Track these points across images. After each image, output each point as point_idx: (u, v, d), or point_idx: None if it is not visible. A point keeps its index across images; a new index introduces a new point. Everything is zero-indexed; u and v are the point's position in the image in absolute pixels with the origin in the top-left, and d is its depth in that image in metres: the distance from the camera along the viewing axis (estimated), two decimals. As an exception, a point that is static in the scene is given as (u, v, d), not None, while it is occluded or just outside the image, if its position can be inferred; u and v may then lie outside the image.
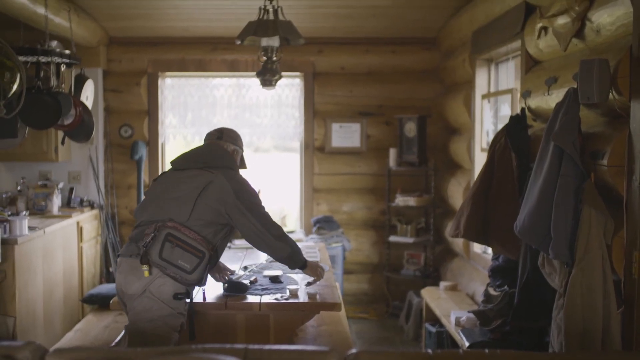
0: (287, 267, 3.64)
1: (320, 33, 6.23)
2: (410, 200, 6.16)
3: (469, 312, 4.36)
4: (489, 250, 4.75)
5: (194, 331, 3.23)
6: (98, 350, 1.94)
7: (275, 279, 3.92)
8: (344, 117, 6.51)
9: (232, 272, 3.84)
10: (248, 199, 3.35)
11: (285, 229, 6.45)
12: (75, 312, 5.65)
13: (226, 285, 3.57)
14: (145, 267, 3.11)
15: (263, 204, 3.44)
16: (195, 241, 3.18)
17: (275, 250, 3.41)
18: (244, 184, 3.42)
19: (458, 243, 5.54)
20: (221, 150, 3.55)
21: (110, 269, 6.27)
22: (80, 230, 5.80)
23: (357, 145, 6.50)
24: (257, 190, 3.52)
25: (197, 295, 3.54)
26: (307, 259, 3.57)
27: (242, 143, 3.73)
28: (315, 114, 6.52)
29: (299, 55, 6.31)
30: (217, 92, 6.52)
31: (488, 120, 5.20)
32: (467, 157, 5.42)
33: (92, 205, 6.21)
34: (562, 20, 3.28)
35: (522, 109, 3.84)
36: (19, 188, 5.78)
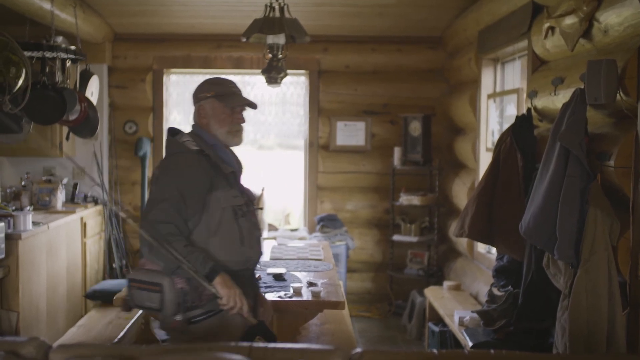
0: (291, 265, 3.64)
1: (326, 31, 6.22)
2: (415, 200, 6.15)
3: (472, 312, 4.35)
4: (493, 250, 4.74)
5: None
6: (102, 346, 1.94)
7: (278, 277, 3.92)
8: (348, 115, 6.50)
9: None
10: (152, 190, 2.85)
11: (289, 227, 6.53)
12: (78, 308, 5.65)
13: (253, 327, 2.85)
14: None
15: (167, 196, 2.73)
16: (148, 273, 2.76)
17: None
18: (161, 169, 2.84)
19: (462, 243, 5.53)
20: (169, 138, 2.97)
21: (114, 265, 6.28)
22: (84, 226, 5.80)
23: (361, 143, 6.49)
24: (180, 180, 2.77)
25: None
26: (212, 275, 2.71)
27: (213, 85, 2.98)
28: (320, 112, 6.51)
29: (304, 53, 6.30)
30: (222, 89, 6.51)
31: (493, 120, 5.18)
32: (472, 157, 5.41)
33: (96, 201, 6.21)
34: (569, 20, 3.26)
35: (528, 109, 3.83)
36: (23, 183, 5.79)
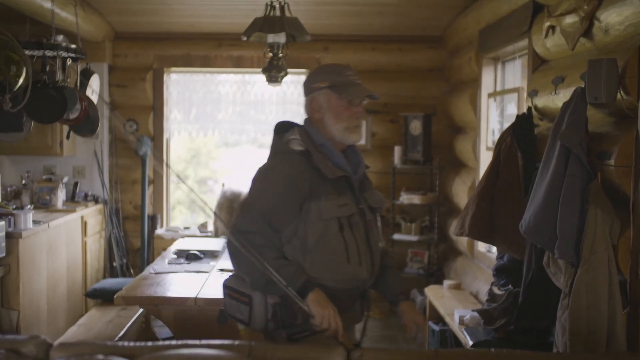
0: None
1: (327, 30, 6.22)
2: (415, 198, 6.15)
3: (472, 310, 4.35)
4: (494, 249, 4.74)
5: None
6: (103, 345, 1.94)
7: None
8: (349, 114, 6.49)
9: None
10: (247, 194, 2.64)
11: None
12: (78, 307, 5.66)
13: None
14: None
15: (258, 204, 2.50)
16: (242, 283, 2.52)
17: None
18: (259, 172, 2.60)
19: (462, 242, 5.53)
20: (275, 137, 2.70)
21: (114, 264, 6.28)
22: (84, 225, 5.81)
23: (362, 142, 6.46)
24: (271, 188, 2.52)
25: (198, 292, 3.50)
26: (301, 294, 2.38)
27: (327, 74, 2.60)
28: (321, 111, 6.50)
29: (304, 52, 6.30)
30: (222, 88, 6.52)
31: (494, 119, 5.18)
32: (473, 156, 5.40)
33: (96, 200, 6.21)
34: (570, 20, 3.26)
35: (529, 108, 3.82)
36: (23, 182, 5.79)
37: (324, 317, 2.34)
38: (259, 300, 2.43)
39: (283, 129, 2.67)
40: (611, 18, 2.92)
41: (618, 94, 2.71)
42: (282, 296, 2.39)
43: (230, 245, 2.44)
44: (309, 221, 2.44)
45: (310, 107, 2.60)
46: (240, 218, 2.48)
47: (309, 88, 2.61)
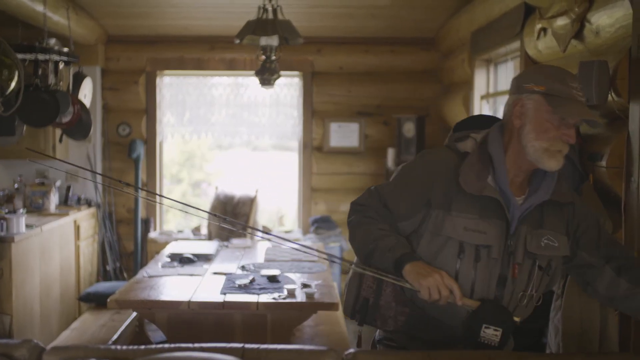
0: (285, 267, 3.55)
1: (319, 33, 6.23)
2: (408, 201, 6.15)
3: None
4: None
5: None
6: (96, 348, 1.93)
7: (272, 279, 3.92)
8: (342, 116, 6.51)
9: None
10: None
11: (283, 229, 6.53)
12: (72, 311, 5.64)
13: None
14: None
15: (390, 186, 2.23)
16: None
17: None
18: (402, 168, 2.28)
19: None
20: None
21: (107, 268, 6.27)
22: (77, 229, 5.79)
23: (355, 145, 6.50)
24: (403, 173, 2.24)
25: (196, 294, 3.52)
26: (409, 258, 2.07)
27: (547, 77, 2.08)
28: (314, 114, 6.51)
29: (297, 55, 6.31)
30: (215, 90, 6.51)
31: (486, 120, 5.19)
32: (465, 158, 5.41)
33: (89, 204, 6.20)
34: (561, 22, 3.27)
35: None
36: (16, 186, 5.77)
37: (431, 287, 1.98)
38: (353, 281, 2.23)
39: (477, 124, 2.28)
40: (602, 20, 2.93)
41: (609, 95, 2.72)
42: (375, 292, 2.17)
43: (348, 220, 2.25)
44: (427, 230, 2.12)
45: (512, 109, 2.12)
46: (363, 193, 2.26)
47: (518, 86, 2.13)
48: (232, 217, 5.94)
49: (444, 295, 1.98)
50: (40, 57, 4.29)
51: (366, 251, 2.12)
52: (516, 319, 2.07)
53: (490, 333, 2.02)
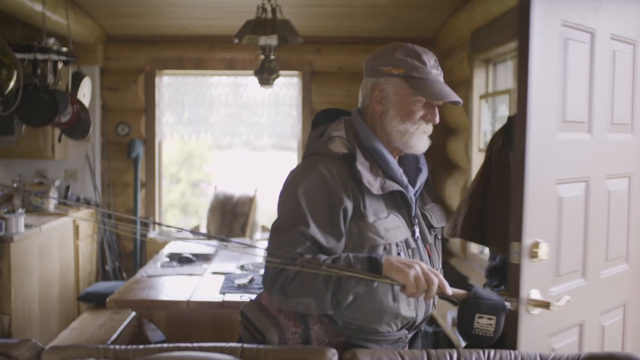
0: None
1: (319, 32, 6.22)
2: (408, 200, 6.14)
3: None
4: (486, 250, 4.75)
5: None
6: (95, 348, 1.93)
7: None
8: (341, 116, 6.49)
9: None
10: (274, 222, 1.98)
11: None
12: (71, 310, 5.63)
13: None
14: None
15: (297, 226, 1.88)
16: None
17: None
18: (287, 182, 2.01)
19: (455, 243, 5.54)
20: (312, 131, 2.15)
21: (107, 267, 6.26)
22: (76, 228, 5.79)
23: (354, 144, 6.49)
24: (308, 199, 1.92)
25: (194, 294, 3.52)
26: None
27: (405, 58, 2.05)
28: (313, 113, 6.50)
29: (297, 54, 6.30)
30: (214, 90, 6.51)
31: (486, 120, 5.19)
32: (465, 157, 5.41)
33: (88, 203, 6.20)
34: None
35: (520, 110, 3.83)
36: (15, 185, 5.77)
37: (417, 278, 1.78)
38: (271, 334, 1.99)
39: (323, 120, 2.13)
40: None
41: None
42: (303, 336, 1.98)
43: (269, 277, 1.89)
44: (350, 247, 1.92)
45: (370, 94, 2.04)
46: (280, 244, 1.89)
47: (374, 69, 2.04)
48: (231, 217, 5.93)
49: (432, 288, 1.79)
50: (39, 56, 4.28)
51: (331, 286, 1.81)
52: (507, 303, 1.95)
53: (485, 323, 1.89)
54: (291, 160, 6.75)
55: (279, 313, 2.00)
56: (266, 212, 6.89)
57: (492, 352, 2.00)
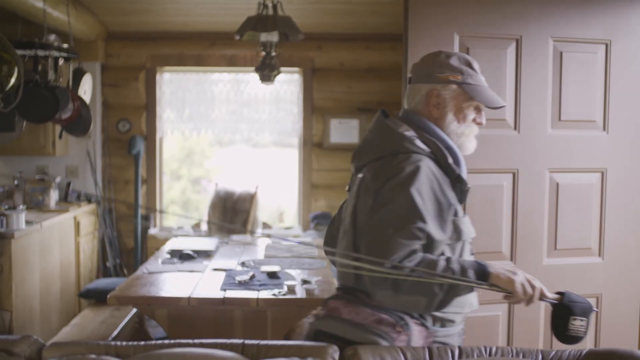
0: (285, 263, 3.51)
1: (320, 29, 6.21)
2: (409, 197, 6.14)
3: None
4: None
5: None
6: (95, 344, 1.93)
7: (272, 275, 3.92)
8: (342, 113, 6.50)
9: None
10: (380, 218, 1.98)
11: (283, 225, 6.52)
12: (72, 307, 5.64)
13: None
14: None
15: (408, 235, 1.93)
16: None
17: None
18: (399, 182, 1.99)
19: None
20: (387, 126, 2.20)
21: (107, 264, 6.26)
22: (77, 225, 5.79)
23: (355, 141, 6.49)
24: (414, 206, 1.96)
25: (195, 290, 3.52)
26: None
27: (462, 66, 2.13)
28: (314, 110, 6.50)
29: (298, 51, 6.30)
30: (215, 87, 6.51)
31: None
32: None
33: (89, 200, 6.20)
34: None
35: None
36: (16, 182, 5.77)
37: (524, 284, 1.94)
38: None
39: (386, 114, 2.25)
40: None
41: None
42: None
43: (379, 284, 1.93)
44: (448, 242, 2.04)
45: (426, 99, 2.14)
46: (387, 238, 1.92)
47: (430, 76, 2.12)
48: (232, 214, 5.93)
49: (536, 294, 1.95)
50: (40, 53, 4.27)
51: (444, 288, 1.93)
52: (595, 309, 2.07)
53: (578, 324, 1.99)
54: (292, 156, 6.75)
55: (377, 324, 2.01)
56: (267, 209, 6.89)
57: (494, 348, 2.00)
